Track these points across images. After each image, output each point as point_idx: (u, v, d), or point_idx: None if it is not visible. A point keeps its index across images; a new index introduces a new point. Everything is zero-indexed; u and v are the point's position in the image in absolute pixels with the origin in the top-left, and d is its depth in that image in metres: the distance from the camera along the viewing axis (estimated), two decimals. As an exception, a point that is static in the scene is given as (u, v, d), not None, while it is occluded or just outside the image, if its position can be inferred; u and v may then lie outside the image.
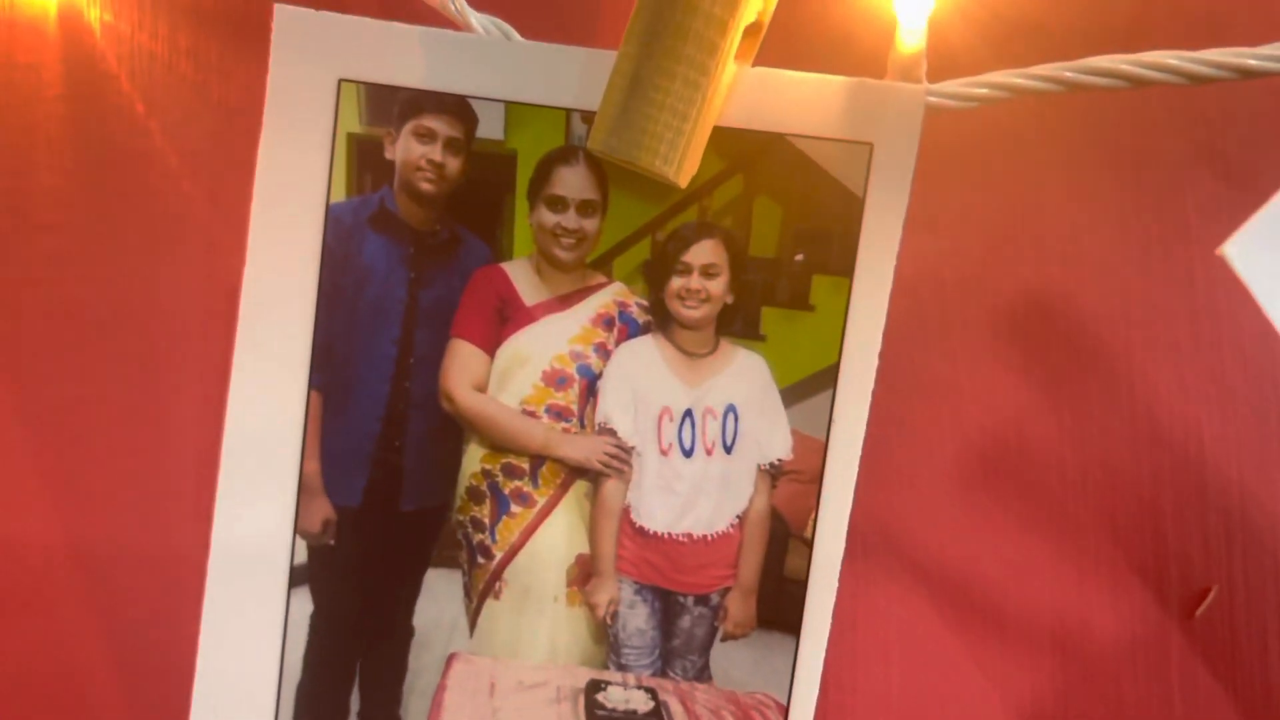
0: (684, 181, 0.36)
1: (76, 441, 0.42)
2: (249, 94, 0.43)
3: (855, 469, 0.37)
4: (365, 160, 0.38)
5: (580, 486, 0.40)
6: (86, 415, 0.42)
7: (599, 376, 0.39)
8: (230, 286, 0.43)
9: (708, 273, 0.38)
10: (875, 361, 0.36)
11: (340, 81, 0.38)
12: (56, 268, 0.42)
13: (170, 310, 0.43)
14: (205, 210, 0.43)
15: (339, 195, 0.38)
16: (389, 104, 0.38)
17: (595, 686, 0.40)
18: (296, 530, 0.39)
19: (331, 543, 0.40)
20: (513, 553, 0.40)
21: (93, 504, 0.41)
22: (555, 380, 0.39)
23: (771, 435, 0.38)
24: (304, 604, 0.40)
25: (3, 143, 0.42)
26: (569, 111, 0.38)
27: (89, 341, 0.42)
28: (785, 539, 0.38)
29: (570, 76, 0.38)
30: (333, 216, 0.38)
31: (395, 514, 0.40)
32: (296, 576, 0.40)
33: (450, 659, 0.40)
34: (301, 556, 0.39)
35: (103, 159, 0.43)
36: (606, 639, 0.40)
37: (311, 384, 0.39)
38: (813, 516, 0.38)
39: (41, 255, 0.42)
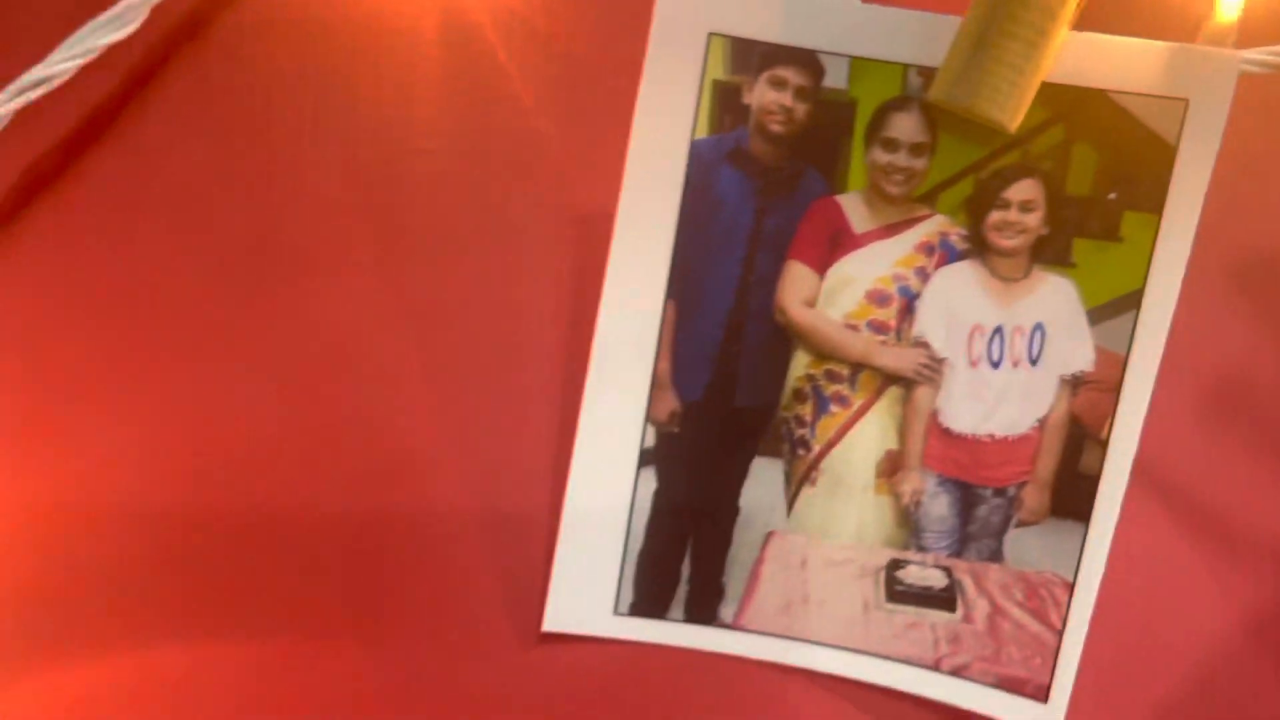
0: (1014, 128, 0.42)
1: (443, 331, 0.48)
2: (594, 46, 0.50)
3: (1153, 378, 0.43)
4: (725, 104, 0.45)
5: (894, 392, 0.46)
6: (454, 307, 0.48)
7: (917, 296, 0.45)
8: (576, 213, 0.49)
9: (1025, 208, 0.44)
10: (1178, 285, 0.42)
11: (710, 35, 0.44)
12: (429, 187, 0.49)
13: (525, 231, 0.49)
14: (555, 144, 0.50)
15: (702, 133, 0.45)
16: (749, 56, 0.44)
17: (896, 565, 0.47)
18: (647, 419, 0.46)
19: (675, 431, 0.46)
20: (829, 447, 0.46)
21: (460, 394, 0.48)
22: (878, 299, 0.46)
23: (1075, 350, 0.44)
24: (649, 482, 0.46)
25: (389, 79, 0.49)
26: (906, 66, 0.44)
27: (455, 252, 0.49)
28: (1081, 440, 0.44)
29: (908, 36, 0.44)
30: (696, 152, 0.45)
31: (730, 409, 0.46)
32: (644, 458, 0.46)
33: (769, 536, 0.47)
34: (649, 441, 0.46)
35: (469, 97, 0.50)
36: (909, 524, 0.46)
37: (669, 295, 0.45)
38: (1109, 420, 0.44)
39: (418, 175, 0.49)
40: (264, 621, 0.46)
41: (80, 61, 0.45)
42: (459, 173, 0.49)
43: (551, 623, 0.47)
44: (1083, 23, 0.43)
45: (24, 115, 0.44)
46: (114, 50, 0.45)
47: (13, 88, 0.44)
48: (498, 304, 0.49)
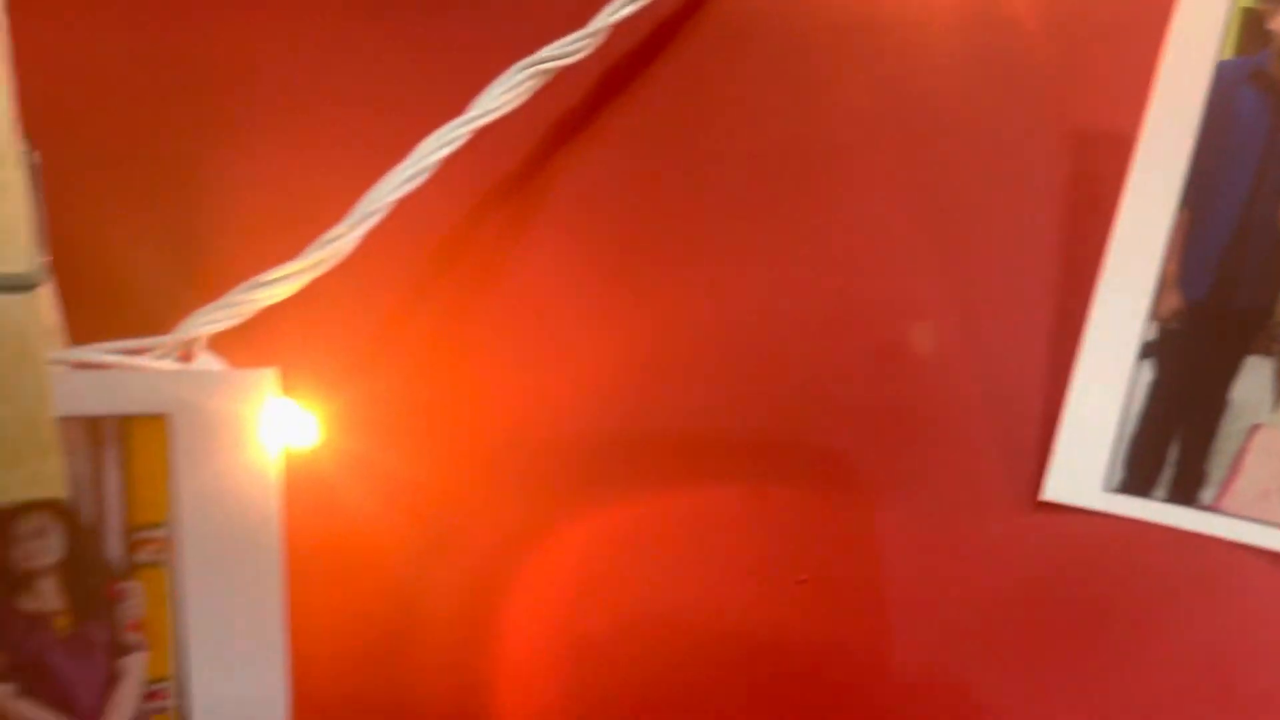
0: None
1: (954, 228, 0.54)
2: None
3: None
4: (1251, 29, 0.49)
5: (1395, 297, 0.50)
6: (965, 209, 0.54)
7: None
8: (1075, 129, 0.54)
9: None
10: None
11: (1244, -35, 0.49)
12: (944, 103, 0.55)
13: (1026, 146, 0.54)
14: (1055, 68, 0.55)
15: (1227, 55, 0.49)
16: (1279, -15, 0.49)
17: (1377, 460, 0.51)
18: (1152, 315, 0.51)
19: (1177, 327, 0.51)
20: (1321, 348, 0.51)
21: (967, 287, 0.54)
22: (1387, 211, 0.49)
23: None
24: (1148, 373, 0.51)
25: (907, 5, 0.55)
26: None
27: (967, 160, 0.54)
28: None
29: None
30: (1220, 72, 0.49)
31: (1229, 309, 0.51)
32: (1145, 351, 0.51)
33: (1254, 429, 0.51)
34: (1151, 335, 0.51)
35: (977, 22, 0.55)
36: (1396, 423, 0.50)
37: (1183, 203, 0.50)
38: None
39: (934, 90, 0.55)
40: (782, 471, 0.53)
41: (668, -16, 0.52)
42: (970, 90, 0.55)
43: (1050, 493, 0.52)
44: None
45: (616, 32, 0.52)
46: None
47: (608, 10, 0.52)
48: (1003, 208, 0.54)
